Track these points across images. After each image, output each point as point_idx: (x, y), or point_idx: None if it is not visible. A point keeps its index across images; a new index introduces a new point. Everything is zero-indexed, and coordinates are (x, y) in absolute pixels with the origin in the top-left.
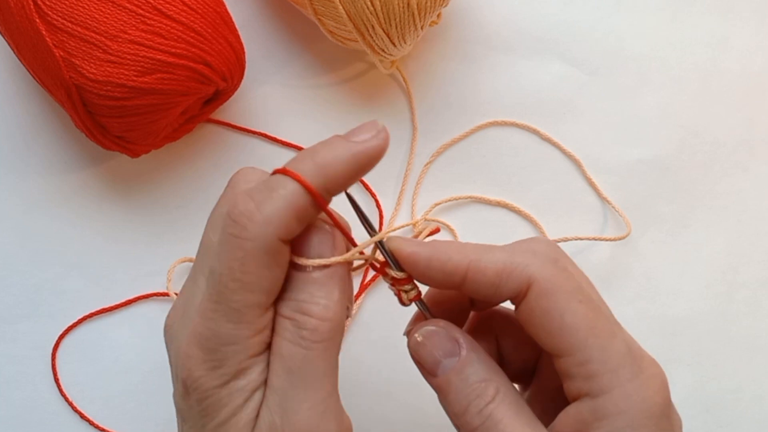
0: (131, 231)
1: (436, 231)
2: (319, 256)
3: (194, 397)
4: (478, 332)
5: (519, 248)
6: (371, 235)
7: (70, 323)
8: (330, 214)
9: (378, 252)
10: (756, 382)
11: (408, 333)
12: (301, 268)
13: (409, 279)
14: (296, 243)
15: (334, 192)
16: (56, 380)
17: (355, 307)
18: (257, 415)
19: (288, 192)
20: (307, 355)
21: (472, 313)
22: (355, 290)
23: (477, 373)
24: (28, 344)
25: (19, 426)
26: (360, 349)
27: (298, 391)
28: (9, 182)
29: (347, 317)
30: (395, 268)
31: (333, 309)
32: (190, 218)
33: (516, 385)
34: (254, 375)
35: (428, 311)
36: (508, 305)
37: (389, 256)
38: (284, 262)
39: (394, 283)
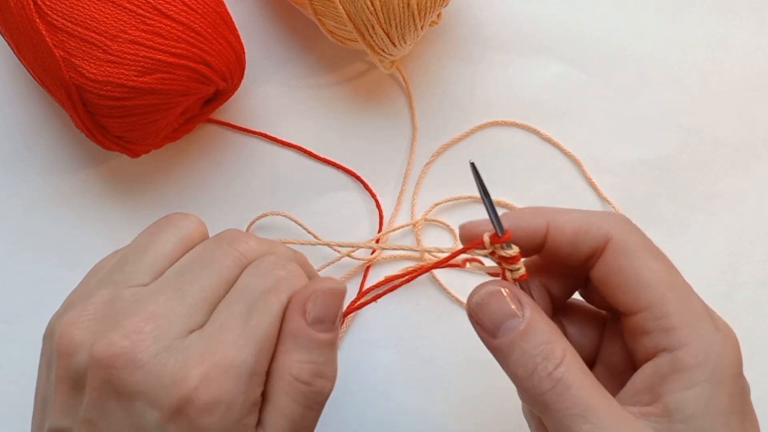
0: (131, 231)
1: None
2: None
3: (229, 420)
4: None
5: (594, 211)
6: (488, 204)
7: None
8: None
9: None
10: (756, 382)
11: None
12: (321, 329)
13: (519, 257)
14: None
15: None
16: None
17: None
18: None
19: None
20: (315, 417)
21: None
22: (354, 294)
23: (543, 334)
24: (28, 344)
25: (19, 426)
26: (360, 349)
27: None
28: (9, 182)
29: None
30: (500, 230)
31: (336, 370)
32: None
33: None
34: (256, 416)
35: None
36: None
37: (497, 223)
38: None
39: (501, 261)
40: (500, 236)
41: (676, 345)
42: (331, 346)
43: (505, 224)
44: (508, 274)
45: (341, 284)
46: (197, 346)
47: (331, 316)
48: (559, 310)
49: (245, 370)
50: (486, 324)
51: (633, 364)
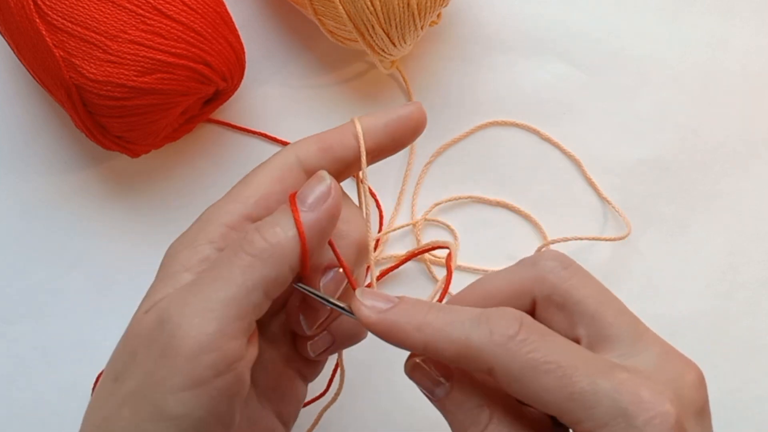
0: (131, 231)
1: (449, 254)
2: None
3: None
4: None
5: (482, 316)
6: (338, 308)
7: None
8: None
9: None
10: (756, 382)
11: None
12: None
13: None
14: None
15: (371, 146)
16: None
17: None
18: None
19: (323, 132)
20: (232, 259)
21: None
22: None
23: (470, 399)
24: (28, 344)
25: (19, 426)
26: (360, 349)
27: (205, 283)
28: (9, 182)
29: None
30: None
31: (283, 240)
32: (190, 218)
33: None
34: (195, 257)
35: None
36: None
37: (343, 309)
38: (288, 185)
39: None
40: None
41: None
42: (284, 213)
43: (383, 323)
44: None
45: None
46: None
47: (305, 194)
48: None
49: None
50: (423, 389)
51: None
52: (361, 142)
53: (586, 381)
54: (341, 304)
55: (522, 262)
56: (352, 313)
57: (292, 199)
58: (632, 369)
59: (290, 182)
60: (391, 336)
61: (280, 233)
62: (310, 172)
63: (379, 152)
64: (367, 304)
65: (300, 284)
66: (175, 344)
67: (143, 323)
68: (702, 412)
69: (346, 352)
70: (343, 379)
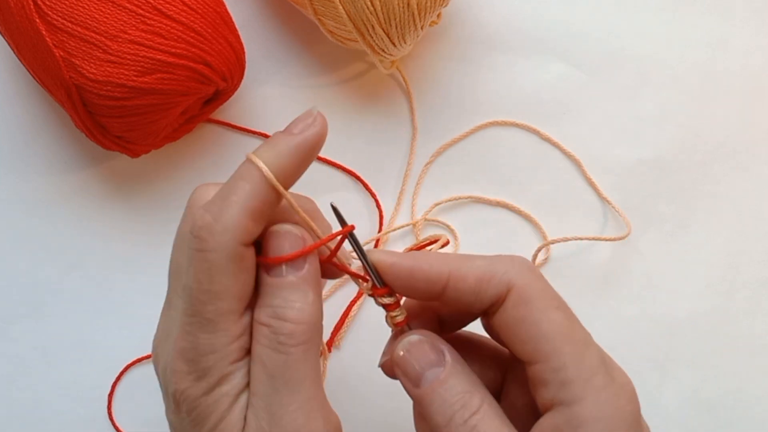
0: (131, 231)
1: (446, 243)
2: (291, 262)
3: (184, 409)
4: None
5: (497, 257)
6: (358, 251)
7: (124, 366)
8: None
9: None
10: (756, 382)
11: (387, 351)
12: (275, 274)
13: (397, 304)
14: (267, 250)
15: (287, 185)
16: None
17: (355, 307)
18: (245, 418)
19: (240, 197)
20: (287, 360)
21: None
22: (354, 293)
23: (461, 383)
24: (28, 344)
25: (19, 426)
26: (360, 349)
27: (282, 396)
28: (9, 182)
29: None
30: (378, 282)
31: (308, 311)
32: None
33: None
34: (237, 380)
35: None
36: (471, 328)
37: (372, 271)
38: (251, 266)
39: (383, 306)
40: (380, 288)
41: (572, 399)
42: (290, 287)
43: (407, 262)
44: (388, 320)
45: (287, 225)
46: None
47: (283, 259)
48: (461, 345)
49: (185, 354)
50: (409, 373)
51: (534, 408)
52: (289, 200)
53: (582, 334)
54: (366, 255)
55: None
56: (371, 266)
57: (277, 260)
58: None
59: (249, 263)
60: (414, 271)
61: (305, 308)
62: (254, 240)
63: (293, 181)
64: (383, 253)
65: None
66: None
67: None
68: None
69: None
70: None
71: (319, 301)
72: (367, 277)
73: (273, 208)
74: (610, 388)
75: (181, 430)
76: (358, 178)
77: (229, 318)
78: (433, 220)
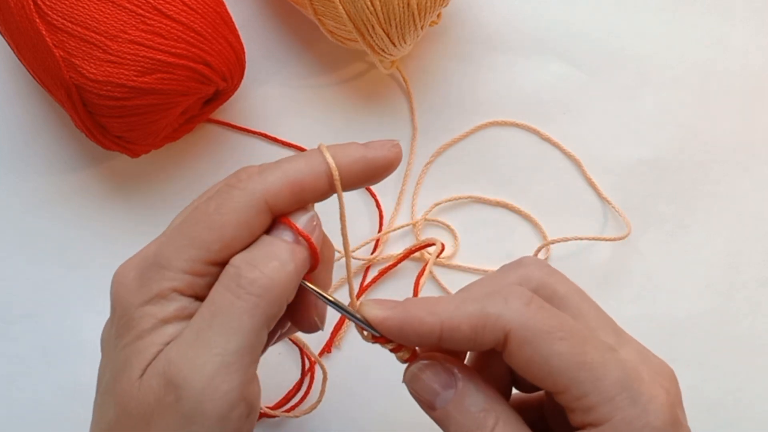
0: (131, 231)
1: (442, 251)
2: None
3: (116, 316)
4: (488, 356)
5: (493, 292)
6: (346, 313)
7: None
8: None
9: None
10: (756, 382)
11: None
12: (274, 233)
13: (401, 346)
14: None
15: (341, 184)
16: None
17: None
18: (164, 345)
19: (291, 167)
20: (234, 304)
21: None
22: (355, 291)
23: (476, 403)
24: (28, 344)
25: (19, 426)
26: (360, 349)
27: (211, 334)
28: (9, 182)
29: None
30: (375, 333)
31: (280, 276)
32: None
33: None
34: (170, 308)
35: None
36: None
37: (367, 325)
38: (255, 229)
39: (390, 350)
40: (378, 338)
41: (600, 421)
42: (280, 246)
43: (397, 317)
44: (397, 359)
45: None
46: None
47: (292, 224)
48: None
49: (143, 260)
50: (423, 399)
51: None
52: (340, 194)
53: (596, 353)
54: (352, 311)
55: (505, 267)
56: (360, 319)
57: (289, 221)
58: (628, 354)
59: (257, 227)
60: (405, 325)
61: (280, 267)
62: (276, 214)
63: (346, 187)
64: (374, 307)
65: (319, 292)
66: (203, 409)
67: (144, 389)
68: (681, 404)
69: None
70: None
71: (294, 282)
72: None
73: (313, 197)
74: (636, 405)
75: (107, 344)
76: None
77: (203, 252)
78: (433, 220)
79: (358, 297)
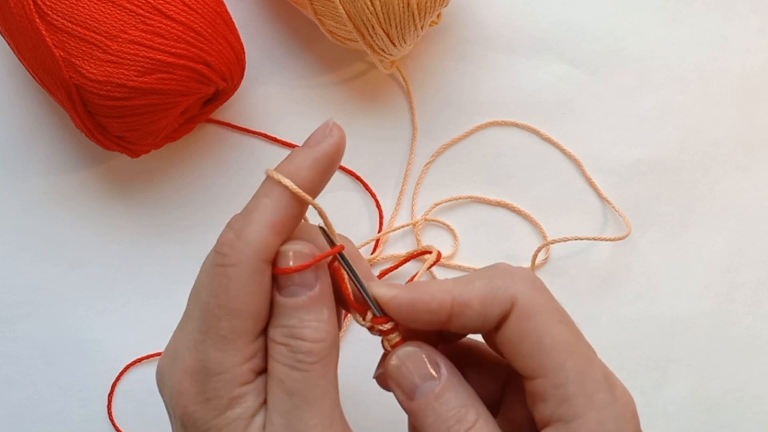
0: (131, 231)
1: (438, 259)
2: (302, 281)
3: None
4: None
5: (497, 272)
6: (357, 284)
7: (124, 366)
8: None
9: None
10: (756, 382)
11: (382, 363)
12: (287, 294)
13: (395, 328)
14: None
15: (311, 191)
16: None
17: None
18: None
19: (261, 212)
20: (306, 377)
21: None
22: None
23: (457, 398)
24: (28, 344)
25: (19, 426)
26: (360, 349)
27: (302, 412)
28: (9, 182)
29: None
30: (378, 313)
31: (324, 329)
32: (190, 218)
33: None
34: (249, 402)
35: None
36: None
37: (373, 302)
38: (268, 287)
39: (381, 333)
40: (379, 317)
41: (572, 416)
42: (304, 307)
43: (407, 294)
44: (385, 343)
45: (296, 243)
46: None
47: (295, 279)
48: (459, 355)
49: (194, 374)
50: (404, 386)
51: (533, 423)
52: (322, 211)
53: (586, 348)
54: (365, 287)
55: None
56: (370, 297)
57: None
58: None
59: (266, 284)
60: (416, 302)
61: (322, 325)
62: (271, 259)
63: (317, 191)
64: (383, 286)
65: (345, 260)
66: None
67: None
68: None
69: None
70: None
71: (333, 317)
72: (366, 309)
73: (295, 222)
74: (612, 407)
75: None
76: (358, 178)
77: (243, 337)
78: (433, 220)
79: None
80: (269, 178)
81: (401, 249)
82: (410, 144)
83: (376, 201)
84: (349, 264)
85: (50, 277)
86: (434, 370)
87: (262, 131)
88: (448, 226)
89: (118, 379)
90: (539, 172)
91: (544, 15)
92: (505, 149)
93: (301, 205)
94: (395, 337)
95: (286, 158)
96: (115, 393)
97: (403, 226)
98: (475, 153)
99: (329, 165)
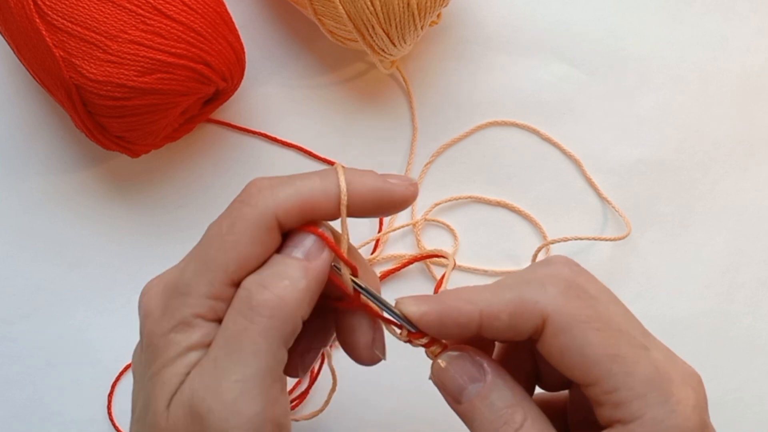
0: (131, 231)
1: (454, 266)
2: (305, 247)
3: (144, 343)
4: (514, 352)
5: (528, 280)
6: (385, 308)
7: (124, 366)
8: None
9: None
10: (756, 382)
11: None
12: (285, 252)
13: (433, 341)
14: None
15: (352, 211)
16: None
17: None
18: (187, 374)
19: (304, 183)
20: (248, 329)
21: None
22: None
23: (503, 398)
24: (28, 344)
25: (19, 426)
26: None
27: (229, 361)
28: (9, 182)
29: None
30: (413, 328)
31: (292, 294)
32: (190, 218)
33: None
34: (194, 335)
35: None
36: None
37: (405, 321)
38: (269, 246)
39: (423, 345)
40: (416, 334)
41: (629, 418)
42: (290, 263)
43: (435, 310)
44: (428, 354)
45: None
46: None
47: (299, 240)
48: (512, 350)
49: (167, 287)
50: (449, 390)
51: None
52: (344, 220)
53: (629, 349)
54: (393, 308)
55: (534, 264)
56: (400, 316)
57: (315, 230)
58: (657, 355)
59: (270, 244)
60: (444, 317)
61: (291, 285)
62: (285, 230)
63: (357, 215)
64: (412, 303)
65: (364, 292)
66: None
67: (172, 419)
68: (707, 409)
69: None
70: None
71: (308, 300)
72: (398, 325)
73: (323, 217)
74: (666, 404)
75: (137, 371)
76: None
77: (221, 274)
78: (433, 220)
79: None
80: (333, 168)
81: (401, 249)
82: (410, 144)
83: None
84: (373, 293)
85: (50, 277)
86: (478, 372)
87: (262, 131)
88: (448, 226)
89: (118, 379)
90: (539, 172)
91: (544, 15)
92: (505, 149)
93: (336, 209)
94: (436, 349)
95: (360, 170)
96: (115, 393)
97: (403, 226)
98: (475, 153)
99: (387, 205)
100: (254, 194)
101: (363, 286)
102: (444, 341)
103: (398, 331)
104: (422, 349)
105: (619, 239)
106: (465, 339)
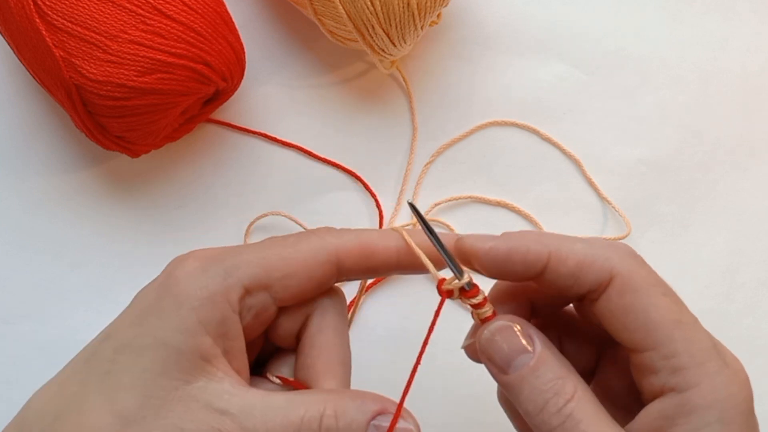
0: (131, 231)
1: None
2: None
3: (164, 288)
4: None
5: (597, 242)
6: (438, 246)
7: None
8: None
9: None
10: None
11: (472, 333)
12: None
13: (485, 301)
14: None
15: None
16: None
17: (355, 307)
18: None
19: (366, 233)
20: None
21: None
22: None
23: (553, 370)
24: (28, 344)
25: None
26: (360, 349)
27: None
28: (9, 182)
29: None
30: (459, 275)
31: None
32: (190, 218)
33: None
34: (219, 310)
35: None
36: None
37: (455, 269)
38: (319, 277)
39: (471, 306)
40: (470, 291)
41: (685, 386)
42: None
43: (505, 245)
44: (475, 316)
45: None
46: None
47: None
48: (553, 324)
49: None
50: (496, 360)
51: (631, 390)
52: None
53: (691, 318)
54: (449, 252)
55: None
56: (453, 262)
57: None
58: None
59: (322, 275)
60: (513, 252)
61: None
62: (340, 271)
63: (407, 270)
64: (476, 239)
65: (428, 232)
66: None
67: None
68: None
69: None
70: None
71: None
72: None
73: (380, 267)
74: (723, 373)
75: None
76: (358, 178)
77: (263, 274)
78: (433, 220)
79: (358, 298)
80: (392, 229)
81: None
82: (410, 144)
83: (376, 201)
84: (431, 227)
85: (50, 277)
86: (528, 344)
87: (262, 131)
88: (448, 226)
89: None
90: (539, 172)
91: (544, 15)
92: (505, 149)
93: (395, 262)
94: (486, 312)
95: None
96: None
97: (402, 226)
98: (475, 153)
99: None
100: (322, 230)
101: (429, 226)
102: (492, 308)
103: (455, 281)
104: (421, 350)
105: (619, 239)
106: (523, 280)
